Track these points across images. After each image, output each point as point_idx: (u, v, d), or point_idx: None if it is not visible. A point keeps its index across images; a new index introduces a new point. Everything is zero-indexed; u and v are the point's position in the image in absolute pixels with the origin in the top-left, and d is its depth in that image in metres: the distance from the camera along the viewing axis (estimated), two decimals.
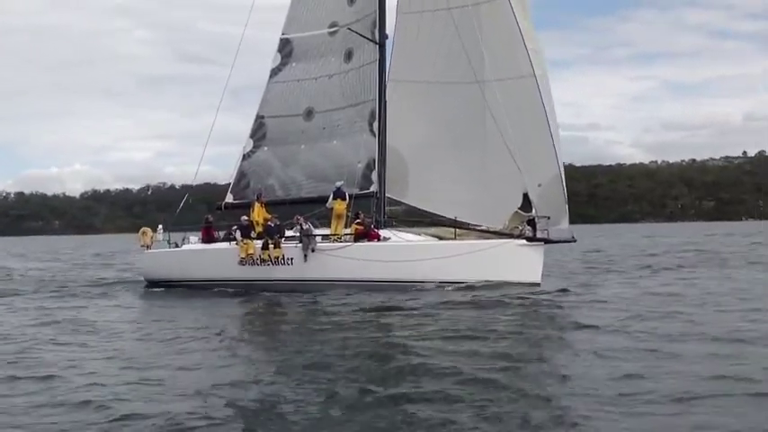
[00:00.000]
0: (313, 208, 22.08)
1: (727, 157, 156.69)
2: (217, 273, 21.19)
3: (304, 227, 20.44)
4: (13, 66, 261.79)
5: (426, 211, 22.42)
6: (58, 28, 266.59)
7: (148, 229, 23.09)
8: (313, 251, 20.04)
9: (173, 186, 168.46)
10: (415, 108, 22.35)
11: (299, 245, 20.26)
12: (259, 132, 24.14)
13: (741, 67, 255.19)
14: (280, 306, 17.67)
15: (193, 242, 22.94)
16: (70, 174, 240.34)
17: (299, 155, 23.52)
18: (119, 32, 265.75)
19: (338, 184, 21.12)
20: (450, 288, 18.49)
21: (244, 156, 24.20)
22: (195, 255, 22.04)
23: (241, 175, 24.09)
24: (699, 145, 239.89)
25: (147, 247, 22.95)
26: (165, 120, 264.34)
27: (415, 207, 22.74)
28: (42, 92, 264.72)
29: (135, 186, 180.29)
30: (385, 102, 21.96)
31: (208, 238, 22.40)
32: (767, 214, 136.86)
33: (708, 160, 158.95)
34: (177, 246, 22.61)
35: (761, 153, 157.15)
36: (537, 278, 18.96)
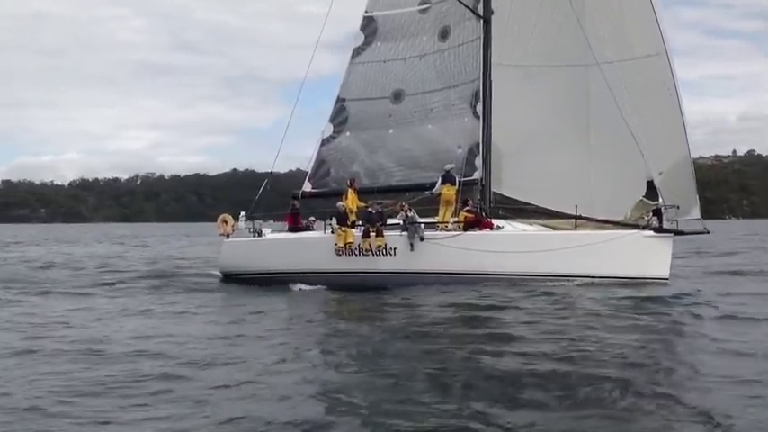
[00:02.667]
0: (404, 197, 20.72)
1: (716, 156, 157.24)
2: (310, 264, 19.52)
3: (409, 214, 19.11)
4: (7, 53, 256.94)
5: (526, 203, 21.18)
6: (53, 15, 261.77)
7: (229, 217, 21.34)
8: (422, 240, 18.68)
9: (162, 177, 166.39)
10: (511, 94, 21.02)
11: (403, 234, 18.92)
12: (340, 116, 22.60)
13: (737, 66, 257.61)
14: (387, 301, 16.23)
15: (267, 233, 21.47)
16: (64, 162, 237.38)
17: (387, 140, 22.02)
18: (116, 20, 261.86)
19: (448, 167, 19.70)
20: (571, 283, 17.30)
21: (322, 141, 22.62)
22: (285, 244, 20.42)
23: (320, 162, 22.49)
24: (693, 144, 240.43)
25: (228, 235, 21.34)
26: (159, 109, 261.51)
27: (510, 197, 21.49)
28: (37, 80, 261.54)
29: (125, 176, 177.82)
30: (490, 82, 20.46)
31: (294, 227, 20.91)
32: (755, 213, 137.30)
33: (698, 159, 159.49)
34: (261, 234, 21.07)
35: (750, 152, 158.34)
36: (665, 273, 17.78)
